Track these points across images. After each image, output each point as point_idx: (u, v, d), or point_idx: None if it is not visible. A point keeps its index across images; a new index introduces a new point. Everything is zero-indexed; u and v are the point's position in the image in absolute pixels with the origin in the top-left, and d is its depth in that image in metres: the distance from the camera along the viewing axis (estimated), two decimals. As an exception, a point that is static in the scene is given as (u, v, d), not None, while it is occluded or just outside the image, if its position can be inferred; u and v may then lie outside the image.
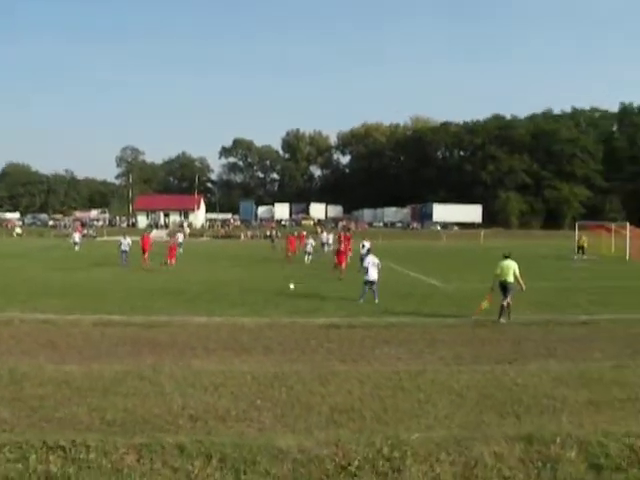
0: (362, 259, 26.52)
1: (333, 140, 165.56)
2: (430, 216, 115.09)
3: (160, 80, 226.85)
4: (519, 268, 17.24)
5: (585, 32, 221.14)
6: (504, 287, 17.06)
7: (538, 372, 10.16)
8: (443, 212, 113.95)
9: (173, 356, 11.81)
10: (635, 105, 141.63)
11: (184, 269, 33.45)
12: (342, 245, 34.46)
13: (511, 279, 17.04)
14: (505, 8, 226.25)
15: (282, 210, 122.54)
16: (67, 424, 7.37)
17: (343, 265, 29.09)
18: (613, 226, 51.04)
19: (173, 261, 35.24)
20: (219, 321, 16.21)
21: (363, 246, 33.36)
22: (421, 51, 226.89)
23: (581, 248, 44.87)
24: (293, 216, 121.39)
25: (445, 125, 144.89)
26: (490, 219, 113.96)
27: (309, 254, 37.93)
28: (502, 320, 16.62)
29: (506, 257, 17.51)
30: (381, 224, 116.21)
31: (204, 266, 36.38)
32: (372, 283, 20.51)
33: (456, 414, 7.82)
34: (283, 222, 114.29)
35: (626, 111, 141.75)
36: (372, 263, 20.74)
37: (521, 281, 17.14)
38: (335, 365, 10.97)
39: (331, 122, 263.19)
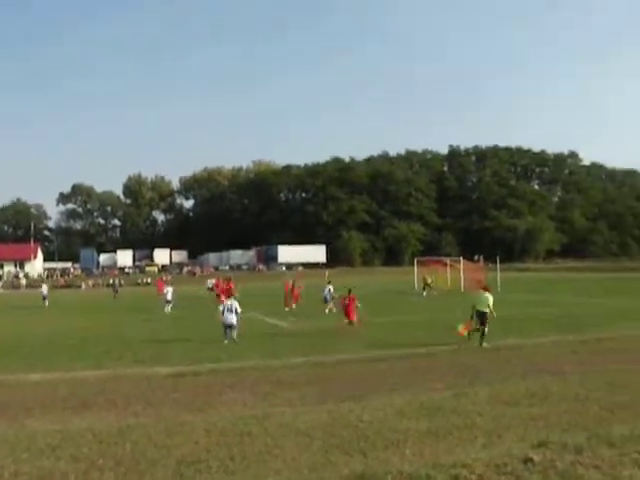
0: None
1: (176, 185, 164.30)
2: (275, 258, 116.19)
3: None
4: (491, 300, 19.45)
5: (412, 82, 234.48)
6: (480, 316, 19.30)
7: (382, 406, 10.37)
8: (288, 253, 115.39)
9: (6, 419, 10.99)
10: (462, 148, 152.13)
11: (20, 322, 31.59)
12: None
13: (485, 309, 19.23)
14: (339, 60, 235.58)
15: (125, 257, 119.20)
16: None
17: (354, 318, 24.49)
18: (448, 261, 53.85)
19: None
20: (57, 376, 15.33)
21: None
22: (265, 97, 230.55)
23: (427, 284, 46.51)
24: (137, 263, 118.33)
25: (287, 168, 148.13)
26: (334, 258, 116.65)
27: (169, 302, 36.70)
28: (484, 344, 18.50)
29: (484, 290, 20.16)
30: (227, 267, 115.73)
31: (42, 318, 34.55)
32: (229, 327, 20.93)
33: (303, 456, 7.81)
34: (127, 269, 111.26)
35: (454, 153, 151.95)
36: (228, 307, 21.22)
37: (493, 311, 19.27)
38: (182, 415, 10.65)
39: (173, 166, 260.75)
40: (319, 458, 7.73)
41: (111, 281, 70.42)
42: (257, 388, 13.02)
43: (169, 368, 16.13)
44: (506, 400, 10.62)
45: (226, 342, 20.59)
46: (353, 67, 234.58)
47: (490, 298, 19.48)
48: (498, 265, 54.64)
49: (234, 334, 20.95)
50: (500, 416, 9.47)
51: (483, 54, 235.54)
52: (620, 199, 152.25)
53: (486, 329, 18.87)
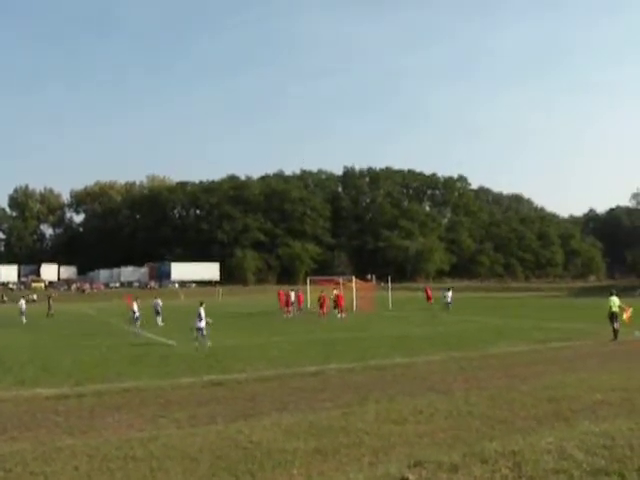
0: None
1: (66, 198, 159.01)
2: (168, 275, 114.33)
3: None
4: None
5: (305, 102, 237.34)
6: (612, 316, 24.40)
7: (271, 427, 10.29)
8: (181, 270, 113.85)
9: None
10: (357, 169, 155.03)
11: None
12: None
13: (616, 309, 24.59)
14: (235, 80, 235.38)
15: (9, 272, 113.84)
16: None
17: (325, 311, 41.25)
18: (341, 280, 54.26)
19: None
20: None
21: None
22: (159, 115, 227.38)
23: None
24: (22, 278, 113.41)
25: (181, 184, 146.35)
26: (228, 276, 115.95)
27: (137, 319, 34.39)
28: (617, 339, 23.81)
29: (612, 294, 25.47)
30: (118, 284, 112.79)
31: None
32: (198, 330, 24.34)
33: (189, 479, 7.64)
34: (11, 285, 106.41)
35: (349, 174, 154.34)
36: (198, 314, 24.66)
37: (622, 306, 25.05)
38: (62, 439, 10.16)
39: (64, 179, 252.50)
40: (205, 481, 7.57)
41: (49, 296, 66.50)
42: (144, 410, 12.65)
43: (52, 389, 15.44)
44: (394, 418, 10.77)
45: (196, 344, 23.76)
46: (249, 87, 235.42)
47: (618, 300, 24.84)
48: (390, 284, 55.76)
49: (200, 336, 24.12)
50: (387, 434, 9.59)
51: (365, 80, 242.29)
52: (505, 222, 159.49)
53: (617, 326, 24.22)
